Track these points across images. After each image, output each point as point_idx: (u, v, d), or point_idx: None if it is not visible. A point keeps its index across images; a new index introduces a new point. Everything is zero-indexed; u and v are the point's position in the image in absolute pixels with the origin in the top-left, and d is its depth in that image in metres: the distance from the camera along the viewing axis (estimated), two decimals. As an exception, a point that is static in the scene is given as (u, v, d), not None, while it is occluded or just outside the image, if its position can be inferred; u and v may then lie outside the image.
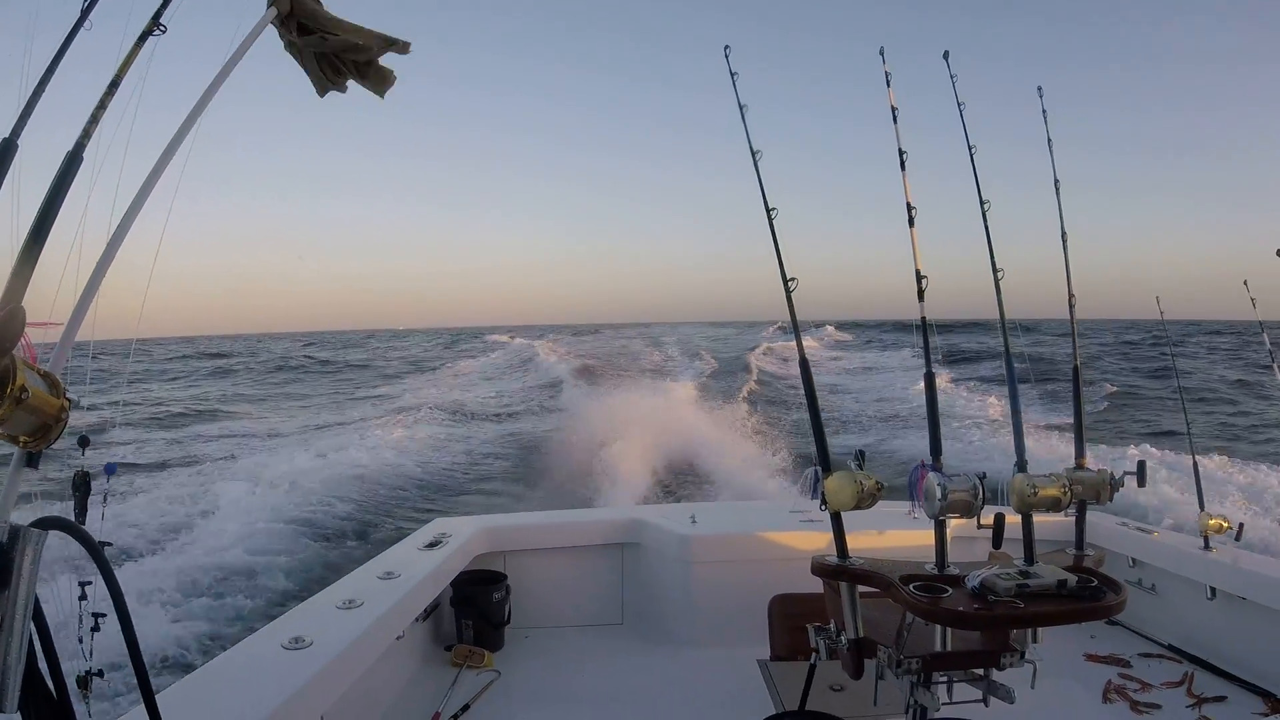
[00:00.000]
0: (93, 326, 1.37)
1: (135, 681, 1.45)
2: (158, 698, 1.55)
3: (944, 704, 2.48)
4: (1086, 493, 2.54)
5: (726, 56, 2.89)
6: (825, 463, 2.45)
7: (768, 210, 2.65)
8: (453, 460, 15.44)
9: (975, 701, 2.45)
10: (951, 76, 2.96)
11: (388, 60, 2.05)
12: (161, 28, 1.59)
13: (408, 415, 20.39)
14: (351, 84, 2.06)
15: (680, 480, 13.56)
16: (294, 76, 1.98)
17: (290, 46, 1.94)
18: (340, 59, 1.96)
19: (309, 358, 48.30)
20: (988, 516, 2.35)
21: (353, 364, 43.79)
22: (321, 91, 2.06)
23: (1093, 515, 4.51)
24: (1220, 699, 3.39)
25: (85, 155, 1.39)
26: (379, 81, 2.04)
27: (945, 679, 2.48)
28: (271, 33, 1.90)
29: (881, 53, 2.87)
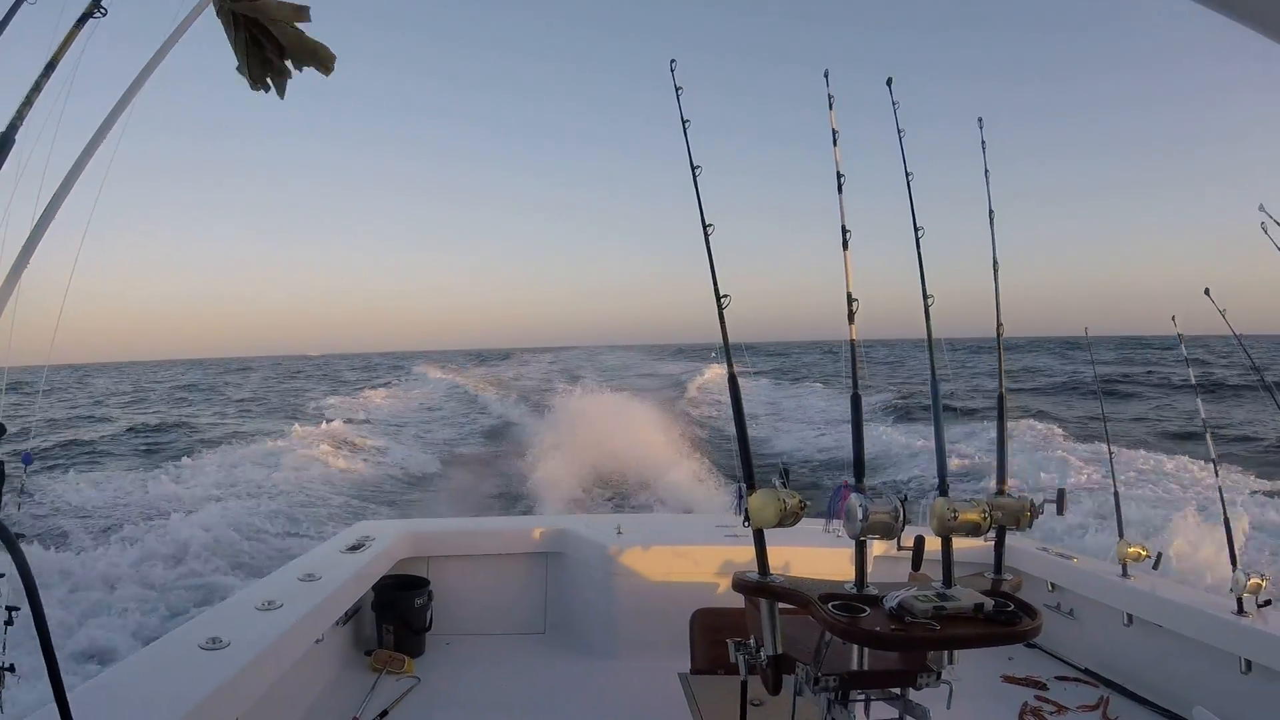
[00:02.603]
0: (14, 316, 1.33)
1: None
2: (71, 695, 1.50)
3: None
4: (1006, 518, 2.58)
5: (672, 70, 2.89)
6: (750, 480, 2.45)
7: (704, 225, 2.65)
8: (374, 476, 15.26)
9: None
10: (893, 103, 3.00)
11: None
12: (102, 10, 1.55)
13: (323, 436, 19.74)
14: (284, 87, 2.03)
15: (611, 492, 13.64)
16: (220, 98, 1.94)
17: (228, 25, 1.90)
18: (270, 40, 1.93)
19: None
20: (909, 538, 2.38)
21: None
22: (255, 82, 2.01)
23: (1014, 540, 4.61)
24: None
25: (17, 139, 1.36)
26: (317, 60, 2.01)
27: (862, 697, 2.51)
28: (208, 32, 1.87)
29: (826, 75, 2.90)
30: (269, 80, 2.03)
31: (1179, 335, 4.03)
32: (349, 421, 22.29)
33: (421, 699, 3.48)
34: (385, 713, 3.28)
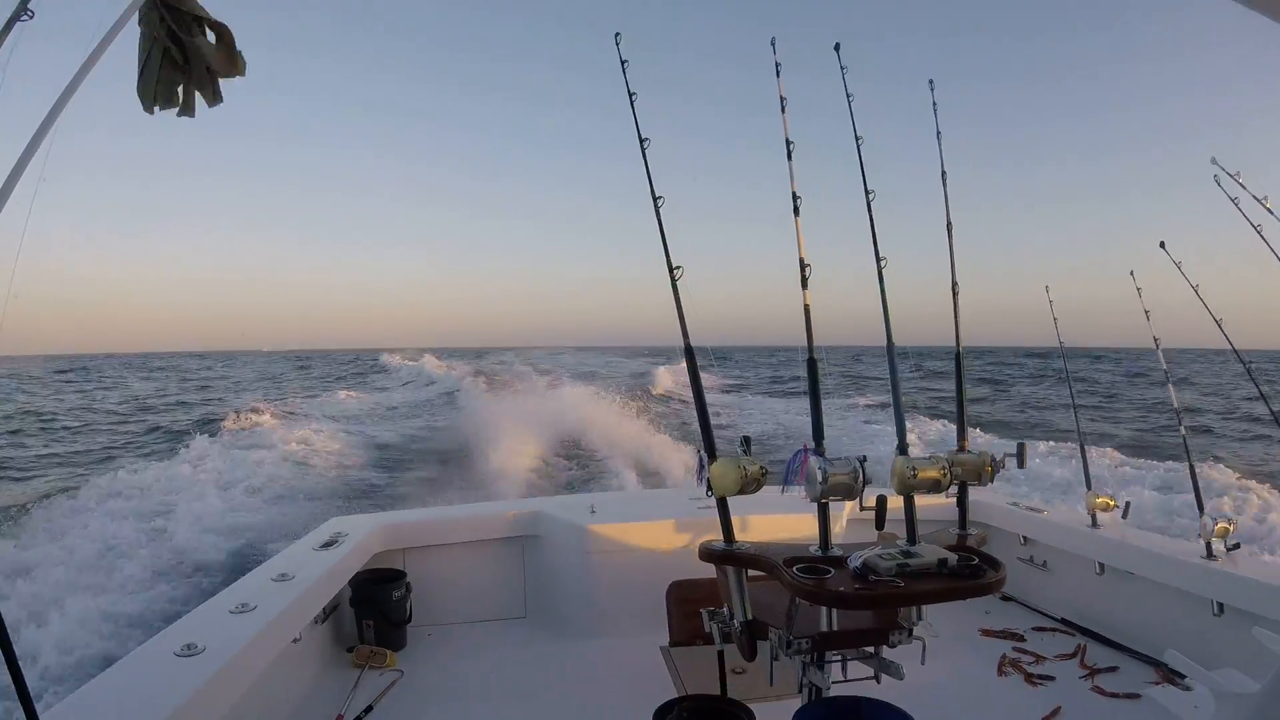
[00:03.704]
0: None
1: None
2: (45, 716, 1.48)
3: (838, 682, 2.54)
4: (967, 474, 2.61)
5: (617, 44, 2.89)
6: (711, 449, 2.47)
7: (654, 198, 2.67)
8: (348, 467, 15.08)
9: (868, 679, 2.51)
10: (842, 68, 3.01)
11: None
12: (29, 13, 1.52)
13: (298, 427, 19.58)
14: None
15: (586, 471, 13.73)
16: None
17: (149, 29, 1.88)
18: (186, 41, 1.90)
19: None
20: (871, 499, 2.40)
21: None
22: (153, 99, 1.97)
23: (984, 496, 4.71)
24: (1112, 669, 3.55)
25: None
26: (229, 65, 1.99)
27: (838, 657, 2.54)
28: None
29: (773, 43, 2.90)
30: (180, 93, 2.00)
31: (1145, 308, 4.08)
32: (307, 416, 22.01)
33: (406, 692, 3.48)
34: (370, 708, 3.27)
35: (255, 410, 22.21)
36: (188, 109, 2.01)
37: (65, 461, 17.72)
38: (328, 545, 3.75)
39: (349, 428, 20.58)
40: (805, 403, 2.57)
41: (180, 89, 1.99)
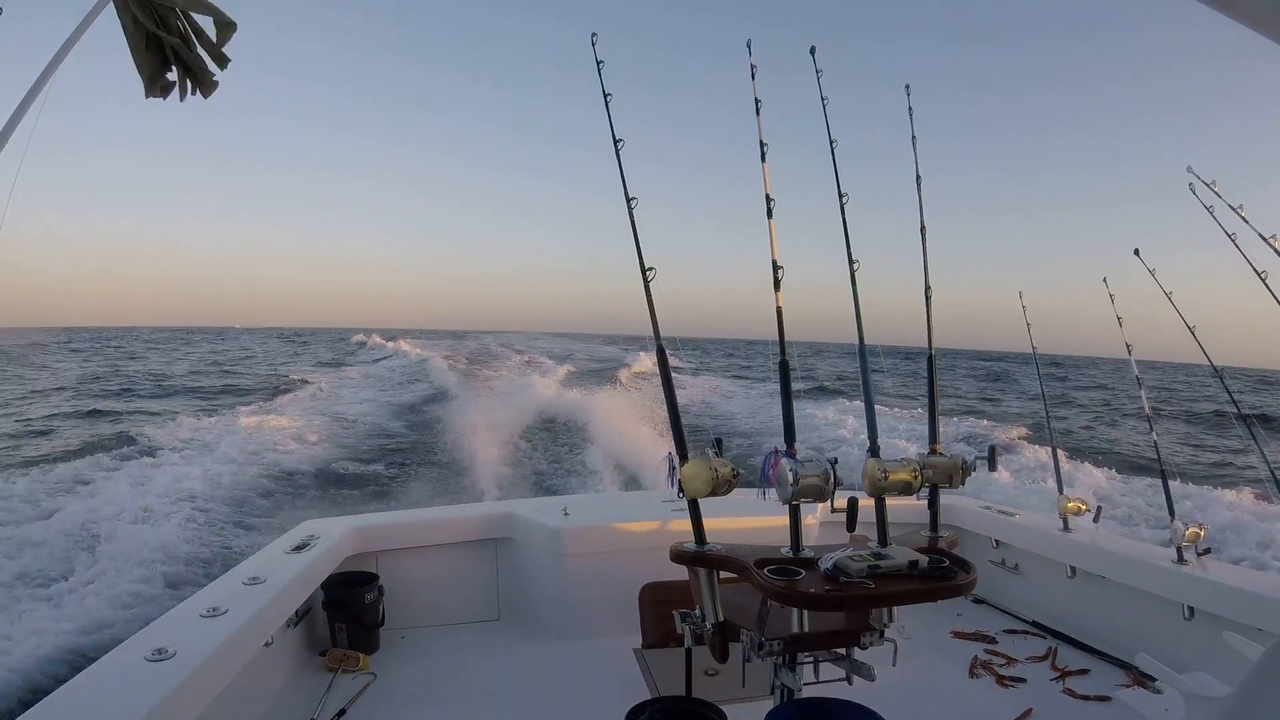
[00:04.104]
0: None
1: None
2: None
3: (809, 683, 2.54)
4: (938, 477, 2.62)
5: (593, 44, 2.89)
6: (682, 451, 2.47)
7: (628, 199, 2.67)
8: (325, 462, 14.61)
9: (840, 680, 2.51)
10: (817, 71, 3.02)
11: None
12: None
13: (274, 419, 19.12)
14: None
15: (561, 471, 13.69)
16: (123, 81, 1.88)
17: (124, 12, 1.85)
18: (169, 23, 1.87)
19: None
20: (842, 501, 2.41)
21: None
22: (151, 88, 1.95)
23: (956, 499, 4.73)
24: (1083, 672, 3.57)
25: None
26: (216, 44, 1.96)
27: (810, 659, 2.54)
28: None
29: (748, 45, 2.91)
30: (171, 79, 1.97)
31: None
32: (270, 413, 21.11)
33: (379, 695, 3.45)
34: (343, 712, 3.24)
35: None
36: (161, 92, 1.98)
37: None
38: (299, 548, 3.72)
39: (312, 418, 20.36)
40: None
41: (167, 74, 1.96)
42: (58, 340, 63.03)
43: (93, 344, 59.36)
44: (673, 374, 2.70)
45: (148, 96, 1.95)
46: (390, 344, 46.63)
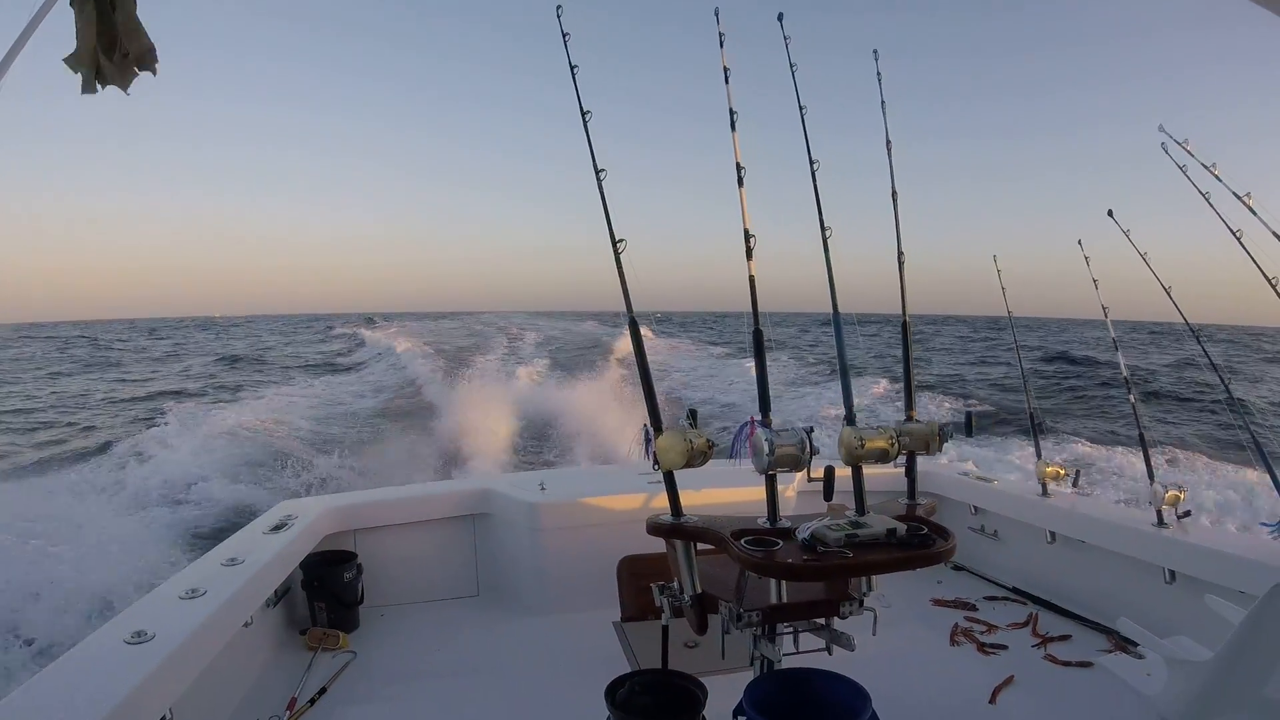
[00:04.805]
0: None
1: None
2: None
3: (789, 654, 2.53)
4: (915, 444, 2.60)
5: (559, 16, 2.84)
6: (656, 422, 2.45)
7: (596, 172, 2.63)
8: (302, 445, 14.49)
9: (820, 650, 2.50)
10: (785, 39, 2.98)
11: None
12: None
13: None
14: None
15: (539, 448, 13.74)
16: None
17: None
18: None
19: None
20: (819, 470, 2.39)
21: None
22: (89, 83, 1.86)
23: (934, 466, 4.74)
24: (1065, 638, 3.59)
25: None
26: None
27: (789, 629, 2.54)
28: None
29: (716, 13, 2.87)
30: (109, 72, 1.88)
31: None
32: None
33: (359, 672, 3.46)
34: (324, 690, 3.25)
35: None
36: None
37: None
38: (277, 529, 3.72)
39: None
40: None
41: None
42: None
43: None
44: (645, 347, 2.68)
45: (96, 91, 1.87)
46: (367, 332, 46.35)
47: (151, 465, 12.36)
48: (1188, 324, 3.83)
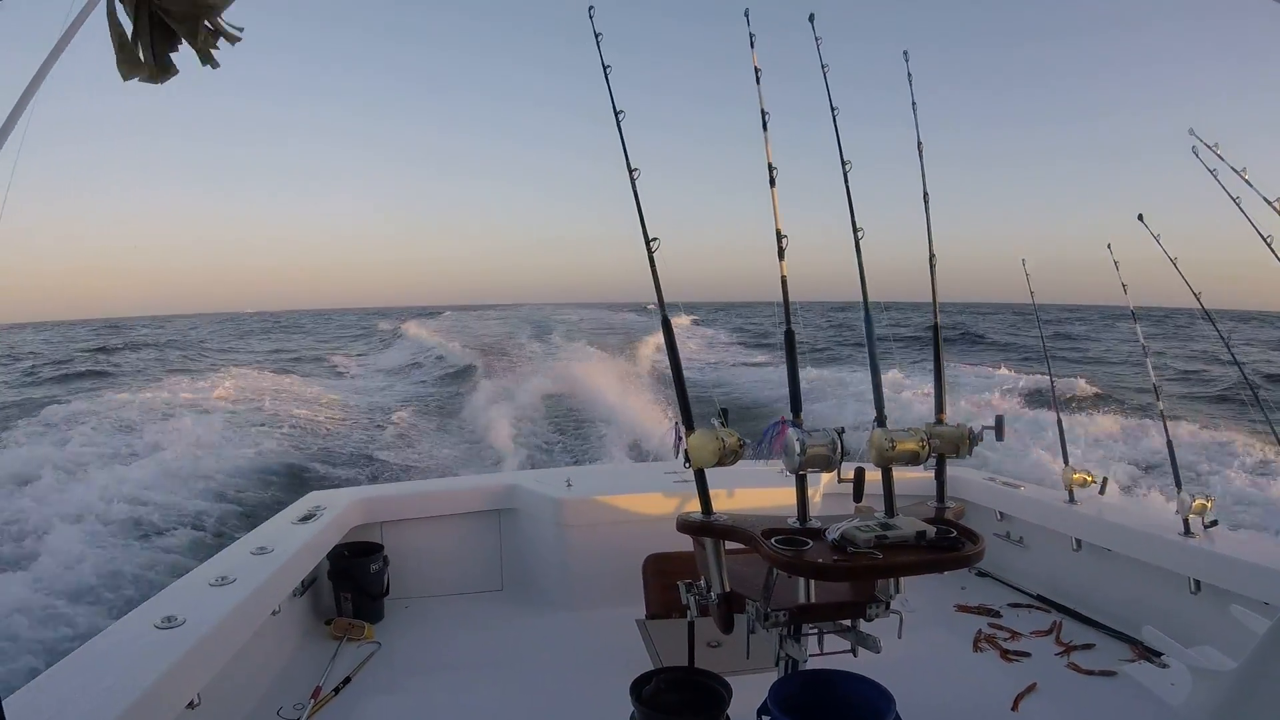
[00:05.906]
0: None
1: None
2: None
3: (814, 655, 2.53)
4: (945, 447, 2.59)
5: (591, 16, 2.85)
6: (688, 420, 2.45)
7: (630, 170, 2.64)
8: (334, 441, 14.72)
9: (845, 652, 2.50)
10: (816, 39, 2.98)
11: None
12: None
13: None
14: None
15: (572, 442, 13.88)
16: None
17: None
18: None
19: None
20: (849, 471, 2.38)
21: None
22: (131, 69, 1.86)
23: (961, 471, 4.71)
24: (1088, 646, 3.55)
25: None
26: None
27: (815, 630, 2.53)
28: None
29: (746, 14, 2.88)
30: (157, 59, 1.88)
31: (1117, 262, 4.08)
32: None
33: (383, 663, 3.49)
34: (348, 679, 3.29)
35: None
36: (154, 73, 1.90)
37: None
38: (306, 519, 3.78)
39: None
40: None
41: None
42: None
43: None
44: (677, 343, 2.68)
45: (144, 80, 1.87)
46: (408, 329, 46.64)
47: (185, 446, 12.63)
48: (1218, 331, 3.80)
